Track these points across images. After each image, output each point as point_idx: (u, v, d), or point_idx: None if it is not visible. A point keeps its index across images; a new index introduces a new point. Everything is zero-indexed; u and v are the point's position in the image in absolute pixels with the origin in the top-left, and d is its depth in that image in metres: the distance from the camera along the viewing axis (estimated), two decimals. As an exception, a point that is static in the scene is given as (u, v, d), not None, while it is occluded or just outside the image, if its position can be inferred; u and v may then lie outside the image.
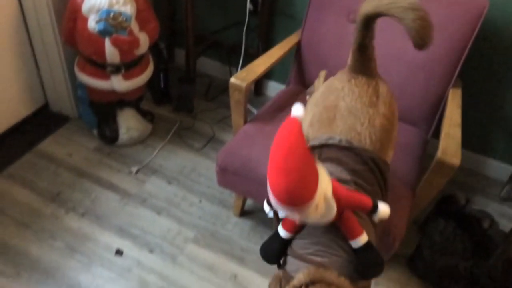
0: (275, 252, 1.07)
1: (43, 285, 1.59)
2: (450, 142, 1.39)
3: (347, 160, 1.09)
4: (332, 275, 0.91)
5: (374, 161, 1.10)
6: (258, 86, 2.61)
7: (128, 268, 1.68)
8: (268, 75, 2.58)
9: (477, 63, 1.99)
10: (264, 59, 1.76)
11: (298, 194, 0.80)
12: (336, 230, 0.98)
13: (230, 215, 1.92)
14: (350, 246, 0.98)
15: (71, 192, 1.93)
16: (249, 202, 1.97)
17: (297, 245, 1.03)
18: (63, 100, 2.25)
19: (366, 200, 0.96)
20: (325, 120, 1.16)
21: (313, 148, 1.15)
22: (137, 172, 2.06)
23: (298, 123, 0.81)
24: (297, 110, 0.83)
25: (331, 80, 1.26)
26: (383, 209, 0.97)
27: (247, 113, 1.72)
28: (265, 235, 1.85)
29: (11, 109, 2.14)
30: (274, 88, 2.59)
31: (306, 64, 1.93)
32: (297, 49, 1.94)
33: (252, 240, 1.83)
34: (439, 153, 1.32)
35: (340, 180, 1.06)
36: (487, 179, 2.27)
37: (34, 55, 2.13)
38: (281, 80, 2.56)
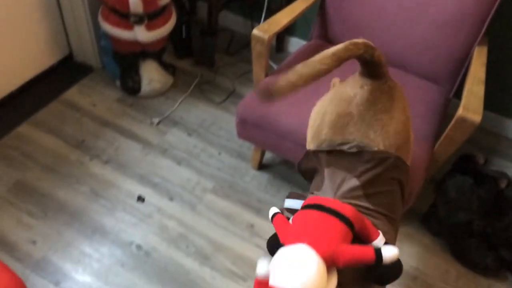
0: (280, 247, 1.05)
1: (69, 227, 1.67)
2: (472, 99, 1.38)
3: (357, 166, 1.07)
4: None
5: (389, 161, 1.07)
6: (280, 42, 2.59)
7: (149, 214, 1.74)
8: (290, 30, 2.55)
9: (506, 21, 1.94)
10: (287, 12, 1.74)
11: None
12: None
13: (248, 168, 1.96)
14: None
15: (95, 140, 1.99)
16: (267, 156, 2.01)
17: None
18: (87, 50, 2.28)
19: (368, 256, 0.90)
20: (338, 127, 1.13)
21: (320, 152, 1.13)
22: (158, 123, 2.10)
23: None
24: (261, 268, 0.82)
25: (343, 86, 1.21)
26: (389, 255, 0.90)
27: (268, 67, 1.72)
28: (282, 188, 1.89)
29: (36, 59, 2.18)
30: (296, 44, 2.57)
31: (330, 18, 1.90)
32: (321, 2, 1.91)
33: (269, 192, 1.87)
34: (460, 109, 1.31)
35: (353, 197, 1.04)
36: (508, 140, 2.25)
37: (59, 5, 2.14)
38: (303, 36, 2.53)
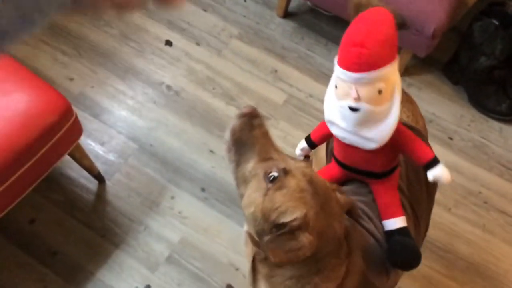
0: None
1: (102, 66, 1.76)
2: None
3: None
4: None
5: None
6: None
7: (177, 58, 1.81)
8: None
9: None
10: None
11: (381, 47, 0.71)
12: None
13: (274, 16, 1.96)
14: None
15: (120, -15, 1.99)
16: (293, 4, 1.98)
17: None
18: None
19: (427, 149, 0.81)
20: None
21: None
22: (183, -31, 2.07)
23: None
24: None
25: None
26: (443, 170, 0.78)
27: None
28: (306, 37, 1.91)
29: None
30: None
31: None
32: None
33: (293, 40, 1.90)
34: None
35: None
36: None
37: None
38: None
